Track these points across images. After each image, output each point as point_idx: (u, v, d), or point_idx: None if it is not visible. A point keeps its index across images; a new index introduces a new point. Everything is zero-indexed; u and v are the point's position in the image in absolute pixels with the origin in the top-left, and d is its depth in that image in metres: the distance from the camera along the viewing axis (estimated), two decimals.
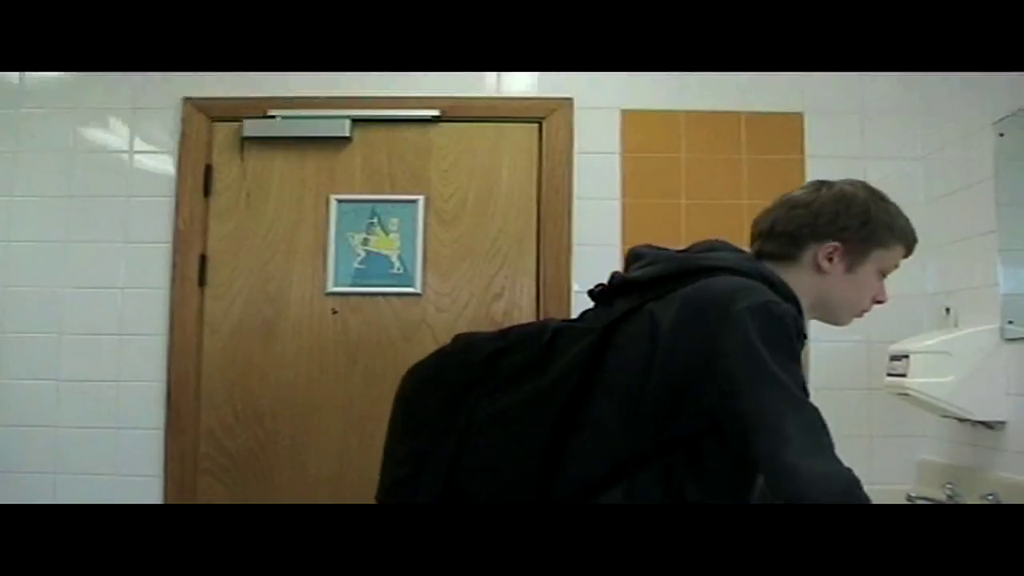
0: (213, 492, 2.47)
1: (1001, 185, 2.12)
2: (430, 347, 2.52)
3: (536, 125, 2.57)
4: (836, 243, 1.34)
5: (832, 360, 2.48)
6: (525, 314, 2.49)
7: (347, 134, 2.54)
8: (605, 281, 1.37)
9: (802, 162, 2.54)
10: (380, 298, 2.53)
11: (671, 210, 2.51)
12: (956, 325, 2.28)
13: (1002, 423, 2.08)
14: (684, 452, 1.22)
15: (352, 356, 2.51)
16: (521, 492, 1.22)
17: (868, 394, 2.44)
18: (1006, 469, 2.06)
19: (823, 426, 1.25)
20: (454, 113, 2.56)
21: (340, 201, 2.55)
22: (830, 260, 1.35)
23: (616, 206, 2.52)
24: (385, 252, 2.54)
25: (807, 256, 1.35)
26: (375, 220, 2.54)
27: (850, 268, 1.37)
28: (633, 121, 2.56)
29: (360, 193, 2.55)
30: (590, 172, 2.53)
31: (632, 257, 1.39)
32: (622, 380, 1.22)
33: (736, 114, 2.56)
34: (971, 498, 2.08)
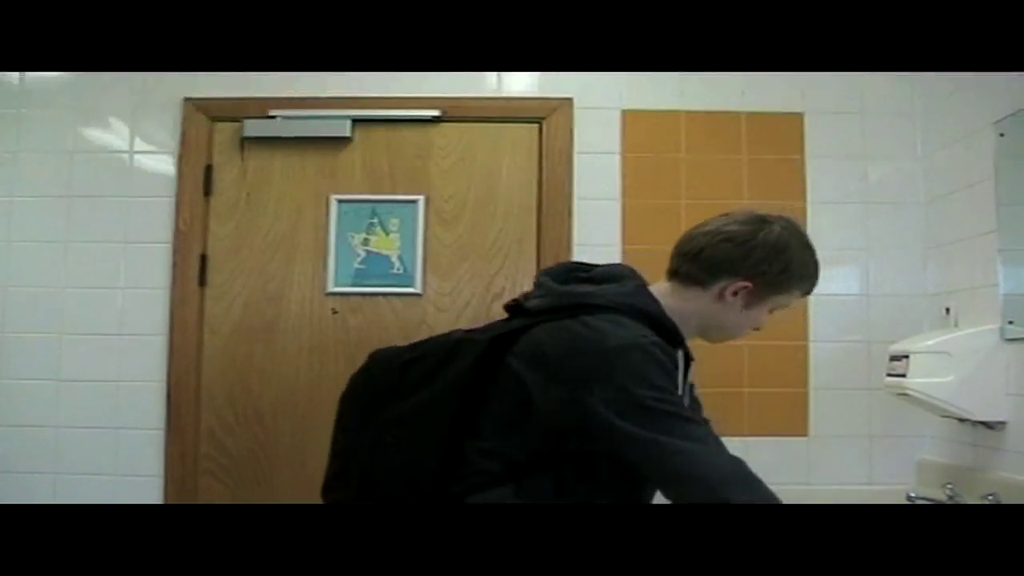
0: (213, 492, 2.47)
1: (1001, 185, 2.12)
2: None
3: (536, 125, 2.57)
4: (748, 284, 1.43)
5: (832, 360, 2.48)
6: None
7: (347, 134, 2.54)
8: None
9: (802, 162, 2.54)
10: (380, 298, 2.53)
11: (671, 210, 2.51)
12: (956, 325, 2.28)
13: (1002, 423, 2.08)
14: (574, 464, 1.33)
15: (352, 356, 2.50)
16: (423, 487, 1.34)
17: (868, 394, 2.44)
18: (1006, 469, 2.06)
19: (705, 431, 1.34)
20: (454, 113, 2.56)
21: (340, 201, 2.55)
22: (735, 295, 1.44)
23: (616, 206, 2.52)
24: (385, 252, 2.54)
25: (716, 286, 1.44)
26: (375, 220, 2.54)
27: (748, 306, 1.46)
28: (633, 121, 2.56)
29: (360, 193, 2.55)
30: (590, 172, 2.53)
31: (535, 284, 1.51)
32: (514, 394, 1.33)
33: (736, 114, 2.56)
34: (971, 498, 2.09)
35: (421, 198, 2.54)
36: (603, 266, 1.53)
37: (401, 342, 2.46)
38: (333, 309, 2.52)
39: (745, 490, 1.31)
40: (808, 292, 1.52)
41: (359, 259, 2.54)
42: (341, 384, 2.49)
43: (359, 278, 2.53)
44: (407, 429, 1.37)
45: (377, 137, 2.57)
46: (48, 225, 2.54)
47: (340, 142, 2.56)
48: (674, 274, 1.51)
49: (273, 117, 2.54)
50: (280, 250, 2.54)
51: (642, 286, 1.48)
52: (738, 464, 1.34)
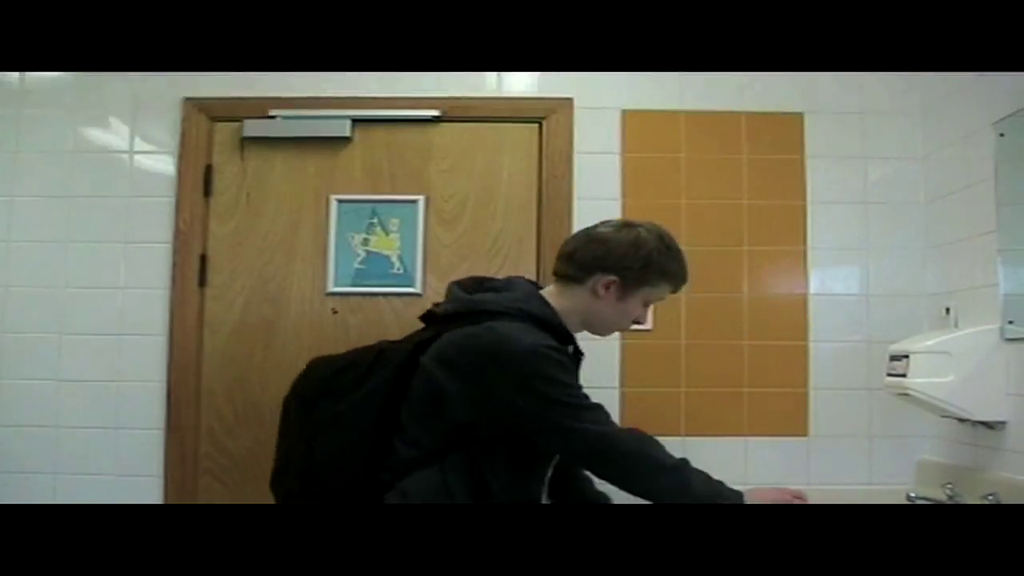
0: (213, 492, 2.46)
1: (1001, 185, 2.12)
2: None
3: (536, 125, 2.57)
4: (615, 277, 1.67)
5: (832, 360, 2.48)
6: None
7: (347, 134, 2.54)
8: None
9: (802, 162, 2.54)
10: (380, 298, 2.52)
11: (671, 210, 2.51)
12: (956, 325, 2.28)
13: (1002, 423, 2.08)
14: (481, 446, 1.56)
15: None
16: (356, 476, 1.57)
17: (868, 394, 2.44)
18: (1006, 469, 2.06)
19: (607, 414, 1.58)
20: (454, 113, 2.56)
21: (340, 201, 2.55)
22: (607, 289, 1.68)
23: (616, 206, 2.52)
24: (385, 252, 2.54)
25: (590, 282, 1.69)
26: (375, 220, 2.54)
27: (621, 298, 1.70)
28: (633, 121, 2.56)
29: (360, 193, 2.55)
30: (590, 172, 2.53)
31: (446, 293, 1.75)
32: (427, 390, 1.57)
33: (736, 114, 2.56)
34: (971, 498, 2.08)
35: (421, 198, 2.54)
36: (504, 279, 1.76)
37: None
38: (333, 309, 2.52)
39: (657, 449, 1.60)
40: (677, 286, 1.77)
41: (359, 259, 2.54)
42: None
43: (359, 278, 2.53)
44: (340, 427, 1.59)
45: (377, 137, 2.57)
46: (48, 225, 2.54)
47: (340, 142, 2.56)
48: (556, 275, 1.75)
49: (273, 117, 2.54)
50: (280, 250, 2.54)
51: (534, 293, 1.71)
52: (637, 432, 1.63)
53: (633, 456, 1.56)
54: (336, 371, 1.67)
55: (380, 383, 1.61)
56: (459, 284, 1.75)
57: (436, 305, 1.74)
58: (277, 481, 1.71)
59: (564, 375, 1.55)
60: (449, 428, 1.55)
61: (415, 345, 1.63)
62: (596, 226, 1.76)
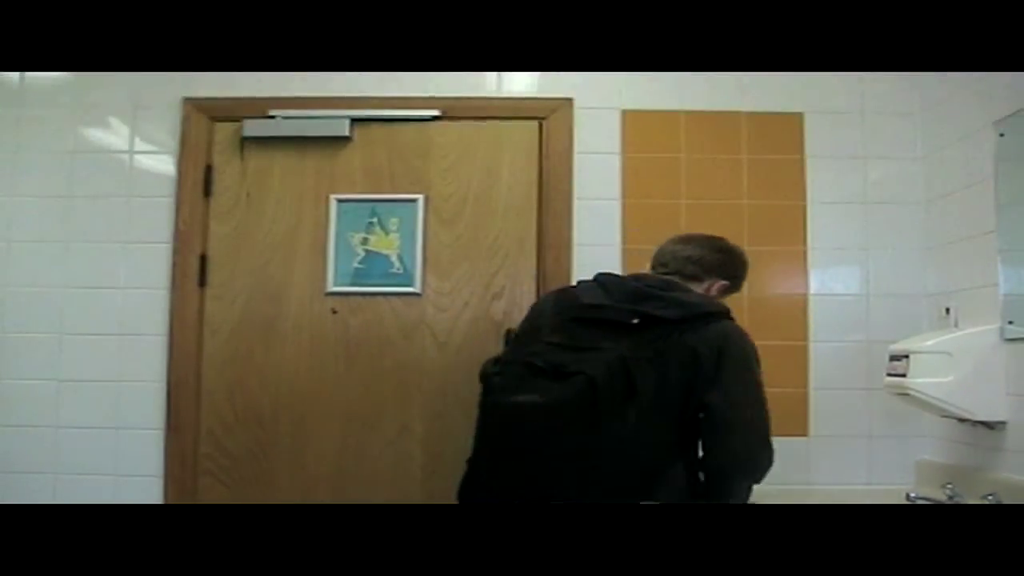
0: (213, 492, 2.46)
1: (1001, 185, 2.12)
2: (429, 347, 2.53)
3: (536, 125, 2.56)
4: (727, 282, 1.98)
5: (832, 360, 2.48)
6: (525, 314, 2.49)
7: (347, 134, 2.53)
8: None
9: (802, 162, 2.54)
10: (380, 298, 2.52)
11: (671, 210, 2.51)
12: (956, 325, 2.28)
13: (1002, 423, 2.08)
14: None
15: (352, 356, 2.51)
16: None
17: (868, 394, 2.44)
18: (1006, 469, 2.06)
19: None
20: (454, 113, 2.56)
21: (340, 201, 2.54)
22: (718, 290, 1.96)
23: (616, 206, 2.52)
24: (385, 252, 2.54)
25: (707, 282, 1.95)
26: (375, 220, 2.54)
27: (719, 297, 1.97)
28: (633, 121, 2.56)
29: (360, 193, 2.55)
30: (590, 172, 2.53)
31: (617, 293, 1.85)
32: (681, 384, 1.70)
33: (736, 114, 2.56)
34: (971, 498, 2.09)
35: (420, 197, 2.54)
36: (662, 279, 1.91)
37: (401, 342, 2.49)
38: (333, 309, 2.52)
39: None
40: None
41: (358, 258, 2.54)
42: (341, 384, 2.51)
43: (358, 278, 2.52)
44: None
45: (377, 137, 2.57)
46: (48, 225, 2.54)
47: (340, 142, 2.55)
48: (677, 272, 1.94)
49: (273, 117, 2.54)
50: (280, 250, 2.54)
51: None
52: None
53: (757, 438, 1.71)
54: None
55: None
56: (643, 287, 1.84)
57: (638, 312, 1.75)
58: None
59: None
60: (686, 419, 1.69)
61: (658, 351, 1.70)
62: (710, 237, 2.02)
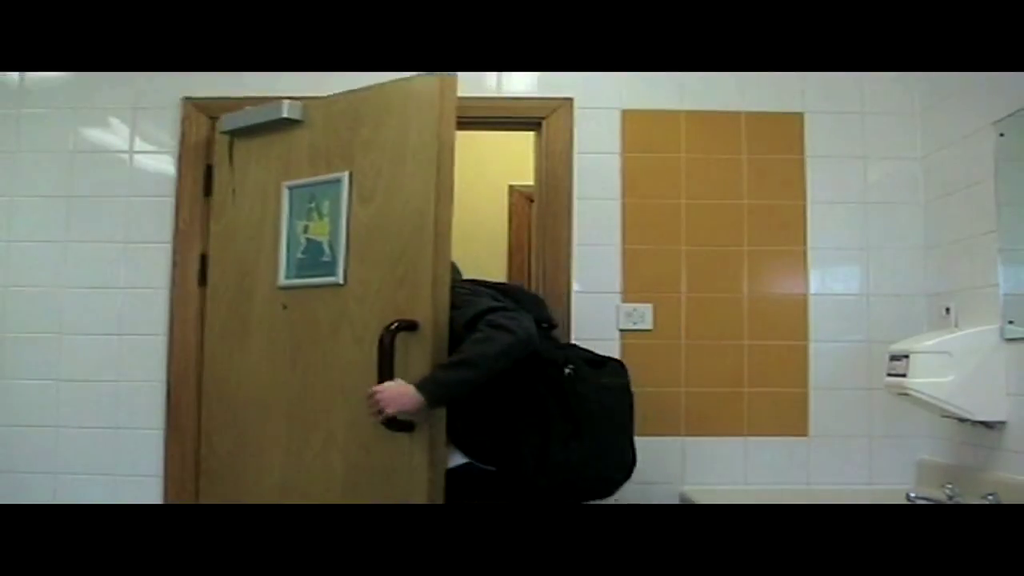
0: (213, 492, 2.46)
1: (1001, 185, 2.12)
2: (349, 344, 2.16)
3: (536, 125, 2.56)
4: None
5: (832, 360, 2.48)
6: None
7: (299, 117, 2.30)
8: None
9: (802, 162, 2.54)
10: (314, 290, 2.23)
11: (671, 210, 2.51)
12: (956, 325, 2.28)
13: (1002, 423, 2.08)
14: None
15: (294, 356, 2.27)
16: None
17: (868, 394, 2.44)
18: (1006, 469, 2.06)
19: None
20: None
21: (290, 188, 2.31)
22: None
23: (616, 206, 2.52)
24: (319, 238, 2.25)
25: None
26: (313, 205, 2.26)
27: None
28: (633, 121, 2.56)
29: (306, 178, 2.28)
30: (590, 172, 2.53)
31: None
32: None
33: (736, 114, 2.56)
34: (971, 498, 2.08)
35: (345, 175, 2.20)
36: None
37: (328, 339, 2.19)
38: (284, 304, 2.29)
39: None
40: None
41: (301, 248, 2.28)
42: (286, 384, 2.24)
43: (301, 269, 2.27)
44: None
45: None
46: (48, 225, 2.54)
47: (293, 125, 2.32)
48: None
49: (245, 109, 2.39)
50: (252, 244, 2.38)
51: None
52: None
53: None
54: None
55: None
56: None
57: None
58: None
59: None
60: None
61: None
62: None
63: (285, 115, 2.34)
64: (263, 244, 2.36)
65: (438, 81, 2.13)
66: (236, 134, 2.46)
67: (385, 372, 1.94)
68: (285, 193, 2.33)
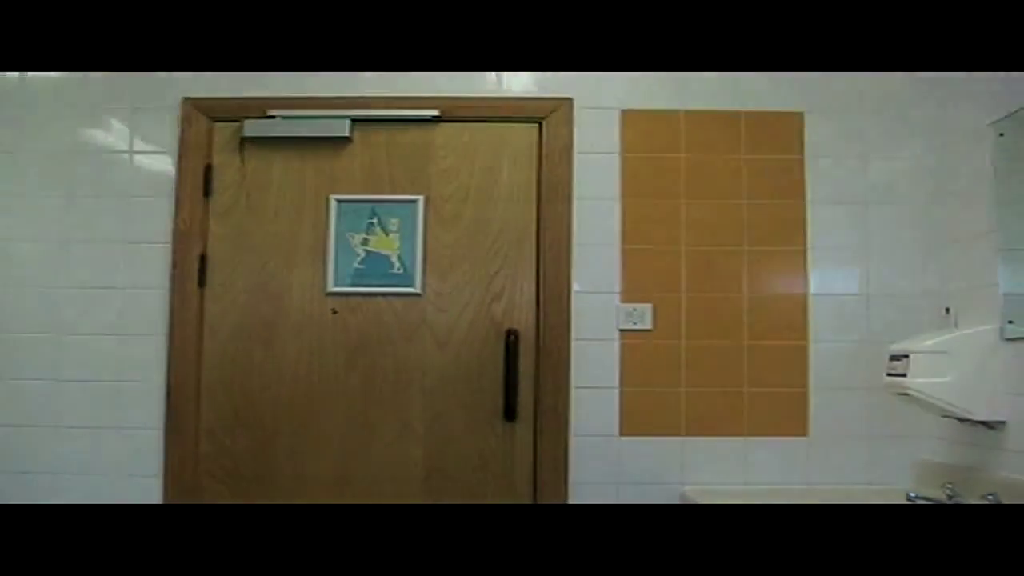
0: (213, 492, 2.46)
1: (1001, 185, 2.12)
2: (430, 348, 2.53)
3: (536, 125, 2.56)
4: None
5: (832, 360, 2.48)
6: (525, 314, 2.49)
7: (347, 134, 2.54)
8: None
9: (802, 162, 2.54)
10: (380, 298, 2.53)
11: (671, 210, 2.51)
12: (956, 325, 2.28)
13: (1002, 423, 2.08)
14: None
15: (352, 356, 2.51)
16: None
17: (868, 394, 2.44)
18: (1006, 469, 2.06)
19: None
20: (454, 113, 2.56)
21: (340, 201, 2.55)
22: None
23: (616, 206, 2.53)
24: (385, 252, 2.54)
25: None
26: (375, 220, 2.55)
27: None
28: (633, 121, 2.56)
29: (360, 193, 2.55)
30: (590, 172, 2.53)
31: None
32: None
33: (736, 114, 2.56)
34: (971, 498, 2.09)
35: (421, 198, 2.54)
36: None
37: (401, 343, 2.49)
38: (333, 309, 2.52)
39: None
40: None
41: (359, 259, 2.54)
42: (341, 384, 2.51)
43: (359, 278, 2.53)
44: None
45: (376, 137, 2.57)
46: (48, 225, 2.54)
47: (340, 142, 2.56)
48: None
49: (273, 117, 2.54)
50: (280, 250, 2.54)
51: None
52: None
53: None
54: None
55: None
56: None
57: None
58: None
59: None
60: None
61: None
62: None
63: (334, 133, 2.55)
64: (298, 251, 2.54)
65: (524, 129, 2.56)
66: (256, 139, 2.55)
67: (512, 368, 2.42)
68: (334, 205, 2.54)
